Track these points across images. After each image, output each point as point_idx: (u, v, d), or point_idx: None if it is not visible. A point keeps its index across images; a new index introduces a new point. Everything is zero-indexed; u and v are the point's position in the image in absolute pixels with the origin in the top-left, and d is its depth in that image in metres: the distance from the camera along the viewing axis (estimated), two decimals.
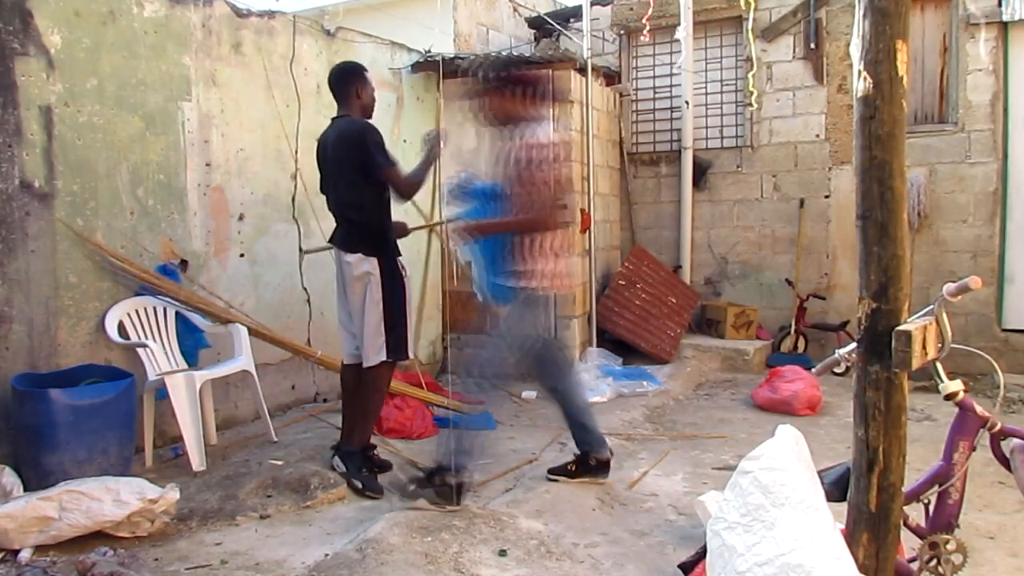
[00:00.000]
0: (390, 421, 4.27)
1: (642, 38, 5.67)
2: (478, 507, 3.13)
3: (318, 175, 3.73)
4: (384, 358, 3.50)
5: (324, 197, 3.71)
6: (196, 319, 4.02)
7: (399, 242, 3.70)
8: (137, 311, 3.80)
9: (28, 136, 3.41)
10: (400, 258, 3.61)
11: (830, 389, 5.24)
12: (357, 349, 3.60)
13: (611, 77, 6.88)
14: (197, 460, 3.56)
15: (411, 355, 3.65)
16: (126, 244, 3.83)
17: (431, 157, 3.64)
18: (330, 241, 3.68)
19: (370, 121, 3.60)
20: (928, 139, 6.05)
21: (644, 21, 4.98)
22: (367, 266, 3.47)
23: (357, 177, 3.45)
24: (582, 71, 5.85)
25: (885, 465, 1.79)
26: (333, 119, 3.65)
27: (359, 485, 3.48)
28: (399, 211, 3.74)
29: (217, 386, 4.09)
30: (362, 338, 3.53)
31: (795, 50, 6.50)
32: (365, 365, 3.54)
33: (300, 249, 4.82)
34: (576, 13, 6.89)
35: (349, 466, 3.53)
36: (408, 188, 3.55)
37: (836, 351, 2.33)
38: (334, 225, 3.68)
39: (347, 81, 3.61)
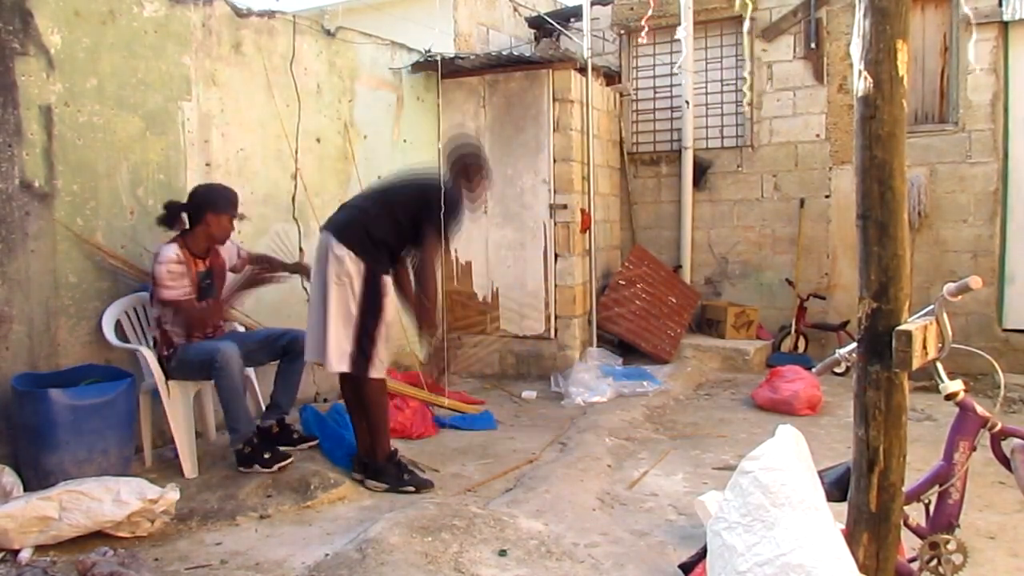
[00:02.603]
0: (390, 421, 4.27)
1: (642, 39, 5.66)
2: (478, 507, 3.13)
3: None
4: (346, 369, 3.43)
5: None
6: None
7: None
8: (135, 308, 3.80)
9: (28, 136, 3.41)
10: (388, 277, 3.50)
11: (830, 389, 5.24)
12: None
13: (611, 77, 6.88)
14: (189, 467, 3.56)
15: (382, 374, 3.53)
16: (126, 244, 3.83)
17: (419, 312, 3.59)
18: (323, 226, 3.57)
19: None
20: (928, 139, 6.05)
21: (643, 22, 4.97)
22: (353, 268, 3.37)
23: (405, 218, 3.45)
24: (582, 71, 5.85)
25: (885, 465, 1.79)
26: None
27: (411, 489, 3.48)
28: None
29: None
30: (323, 335, 3.40)
31: (795, 50, 6.50)
32: (330, 369, 3.45)
33: (300, 249, 4.82)
34: (576, 13, 6.88)
35: (387, 480, 3.52)
36: (430, 275, 3.49)
37: (836, 351, 2.33)
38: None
39: (470, 166, 3.67)
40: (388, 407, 3.76)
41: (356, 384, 3.53)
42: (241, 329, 3.95)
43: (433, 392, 4.87)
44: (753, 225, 6.75)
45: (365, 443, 3.62)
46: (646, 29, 4.69)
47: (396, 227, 3.48)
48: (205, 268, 3.69)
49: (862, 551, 1.82)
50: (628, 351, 6.09)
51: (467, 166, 3.67)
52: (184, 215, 3.65)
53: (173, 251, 3.50)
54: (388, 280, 3.49)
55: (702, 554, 2.22)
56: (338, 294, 3.39)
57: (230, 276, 3.86)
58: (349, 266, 3.37)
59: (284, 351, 3.78)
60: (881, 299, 1.74)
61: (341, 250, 3.37)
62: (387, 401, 3.71)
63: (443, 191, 3.46)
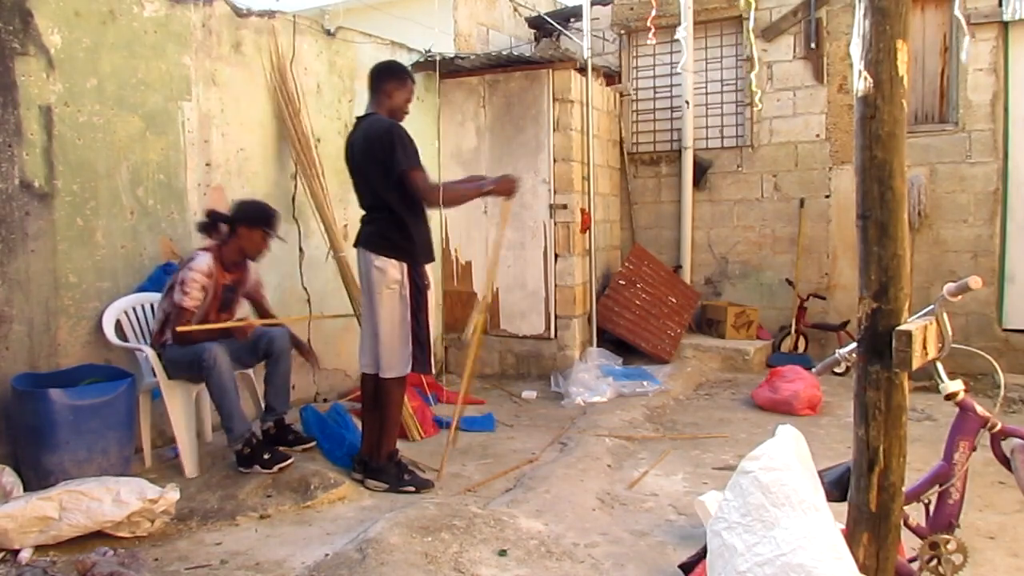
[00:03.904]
0: None
1: (648, 40, 5.66)
2: (478, 507, 3.13)
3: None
4: (409, 371, 3.50)
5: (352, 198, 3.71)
6: None
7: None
8: (134, 308, 3.80)
9: (28, 136, 3.41)
10: (426, 265, 3.57)
11: (830, 389, 5.24)
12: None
13: (611, 77, 6.88)
14: (191, 466, 3.57)
15: (433, 368, 3.60)
16: (126, 244, 3.83)
17: (483, 187, 3.58)
18: (356, 243, 3.59)
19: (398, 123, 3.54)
20: (928, 139, 6.05)
21: (649, 24, 4.98)
22: (397, 274, 3.43)
23: (385, 175, 3.40)
24: (582, 71, 5.85)
25: (885, 465, 1.79)
26: (358, 118, 3.64)
27: (411, 489, 3.50)
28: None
29: None
30: (382, 348, 3.47)
31: (795, 50, 6.49)
32: (384, 376, 3.50)
33: (300, 249, 4.82)
34: (576, 13, 6.88)
35: (388, 480, 3.53)
36: (433, 195, 3.41)
37: (836, 351, 2.33)
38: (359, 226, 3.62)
39: (382, 78, 3.58)
40: (401, 409, 3.77)
41: (378, 381, 3.55)
42: None
43: (432, 391, 4.87)
44: (753, 225, 6.75)
45: (372, 440, 3.61)
46: (653, 31, 4.69)
47: (393, 188, 3.43)
48: (231, 281, 3.71)
49: (862, 551, 1.82)
50: (628, 351, 6.09)
51: (382, 83, 3.56)
52: (223, 225, 3.70)
53: (206, 263, 3.55)
54: (427, 272, 3.59)
55: (702, 554, 2.22)
56: (391, 302, 3.44)
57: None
58: (393, 273, 3.43)
59: (265, 353, 3.77)
60: (881, 299, 1.74)
61: (381, 261, 3.43)
62: (401, 403, 3.72)
63: (378, 129, 3.41)
